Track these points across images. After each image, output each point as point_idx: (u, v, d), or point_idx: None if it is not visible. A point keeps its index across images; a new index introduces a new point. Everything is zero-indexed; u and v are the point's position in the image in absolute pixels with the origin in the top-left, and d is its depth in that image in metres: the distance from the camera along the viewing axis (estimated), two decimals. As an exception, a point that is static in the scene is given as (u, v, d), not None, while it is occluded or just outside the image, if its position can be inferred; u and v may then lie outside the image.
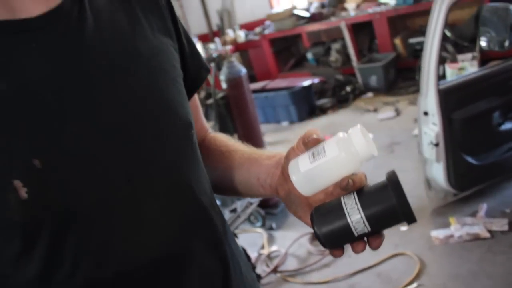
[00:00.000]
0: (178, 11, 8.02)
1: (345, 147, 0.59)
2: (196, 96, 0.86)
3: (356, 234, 0.57)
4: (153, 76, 0.67)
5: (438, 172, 2.63)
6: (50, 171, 0.55)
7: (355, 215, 0.57)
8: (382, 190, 0.58)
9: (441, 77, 4.73)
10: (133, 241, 0.62)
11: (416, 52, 5.03)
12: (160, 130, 0.65)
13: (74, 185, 0.57)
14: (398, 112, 4.41)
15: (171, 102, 0.68)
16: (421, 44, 5.02)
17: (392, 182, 0.57)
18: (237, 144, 0.85)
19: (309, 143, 0.62)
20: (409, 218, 0.56)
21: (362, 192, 0.59)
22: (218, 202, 0.80)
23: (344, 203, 0.58)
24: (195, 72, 0.81)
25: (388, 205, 0.56)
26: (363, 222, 0.56)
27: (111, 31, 0.65)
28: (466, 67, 4.12)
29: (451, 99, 2.50)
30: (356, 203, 0.57)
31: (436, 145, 2.54)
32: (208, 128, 0.90)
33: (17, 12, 0.58)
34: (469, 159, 2.59)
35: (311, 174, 0.61)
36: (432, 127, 2.55)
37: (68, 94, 0.58)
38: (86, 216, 0.58)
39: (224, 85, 3.21)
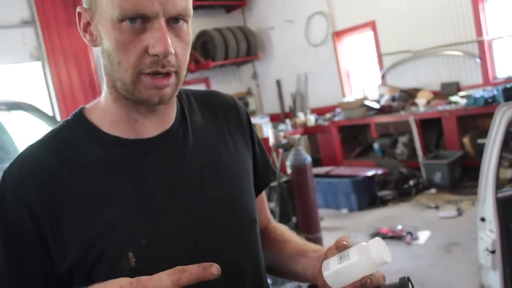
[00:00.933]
0: (254, 90, 8.57)
1: (364, 254, 0.76)
2: (263, 193, 1.07)
3: None
4: (231, 182, 0.90)
5: (494, 280, 2.60)
6: (152, 248, 0.78)
7: None
8: None
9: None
10: None
11: (485, 153, 5.01)
12: (232, 224, 0.87)
13: (167, 258, 0.78)
14: (460, 212, 4.37)
15: (243, 204, 0.90)
16: (491, 145, 5.04)
17: (401, 287, 0.73)
18: (292, 235, 1.04)
19: (339, 248, 0.80)
20: None
21: None
22: (269, 281, 0.99)
23: None
24: (263, 175, 1.04)
25: None
26: None
27: (203, 146, 0.90)
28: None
29: (510, 208, 2.52)
30: None
31: (493, 252, 2.53)
32: (271, 218, 1.11)
33: (141, 134, 0.84)
34: (527, 271, 2.55)
35: (338, 273, 0.78)
36: (488, 234, 2.56)
37: (171, 193, 0.82)
38: None
39: (289, 170, 3.42)
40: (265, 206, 1.09)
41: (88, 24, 0.80)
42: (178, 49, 0.77)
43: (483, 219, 2.60)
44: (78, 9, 0.82)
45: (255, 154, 1.01)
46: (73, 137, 0.83)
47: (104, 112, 0.85)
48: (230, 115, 0.98)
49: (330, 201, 5.44)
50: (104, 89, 0.85)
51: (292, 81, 8.04)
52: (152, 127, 0.85)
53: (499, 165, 2.53)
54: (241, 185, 0.92)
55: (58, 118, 6.04)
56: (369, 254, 0.75)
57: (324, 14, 7.26)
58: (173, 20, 0.75)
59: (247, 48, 8.04)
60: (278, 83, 8.32)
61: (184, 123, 0.90)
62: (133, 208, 0.79)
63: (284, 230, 1.06)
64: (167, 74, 0.76)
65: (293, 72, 7.97)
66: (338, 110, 6.90)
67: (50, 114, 5.05)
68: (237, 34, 7.87)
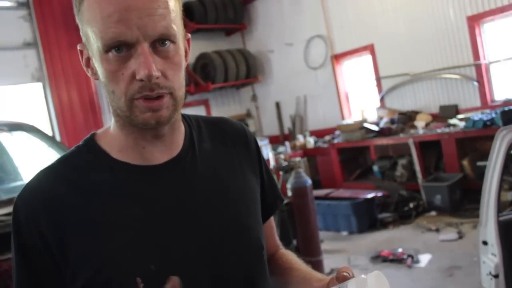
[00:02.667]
0: (253, 112, 8.61)
1: (361, 286, 0.75)
2: (272, 219, 1.08)
3: None
4: (239, 209, 0.91)
5: (497, 305, 2.57)
6: (161, 273, 0.79)
7: None
8: None
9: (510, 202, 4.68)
10: None
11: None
12: (240, 250, 0.88)
13: None
14: (461, 235, 4.35)
15: (250, 230, 0.91)
16: (490, 168, 5.05)
17: None
18: (299, 263, 1.04)
19: (339, 279, 0.80)
20: None
21: None
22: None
23: None
24: (271, 201, 1.05)
25: None
26: None
27: (211, 173, 0.91)
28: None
29: (512, 231, 2.51)
30: None
31: (496, 276, 2.51)
32: (280, 245, 1.11)
33: (149, 160, 0.86)
34: (531, 296, 2.52)
35: None
36: (491, 258, 2.55)
37: (179, 219, 0.83)
38: None
39: (289, 193, 3.42)
40: (273, 233, 1.09)
41: (88, 59, 0.83)
42: (167, 70, 0.78)
43: (485, 243, 2.59)
44: (78, 47, 0.85)
45: (263, 181, 1.02)
46: (83, 162, 0.85)
47: (113, 138, 0.87)
48: (239, 142, 1.00)
49: (330, 224, 5.41)
50: (112, 119, 0.87)
51: (291, 104, 8.09)
52: (159, 154, 0.86)
53: (501, 188, 2.53)
54: (248, 212, 0.93)
55: (58, 139, 6.05)
56: (366, 287, 0.75)
57: (323, 38, 7.35)
58: (159, 43, 0.76)
59: (247, 71, 8.11)
60: (278, 105, 8.37)
61: (193, 149, 0.91)
62: (141, 234, 0.80)
63: (291, 257, 1.06)
64: (160, 96, 0.77)
65: (292, 94, 8.03)
66: (337, 132, 6.93)
67: (50, 134, 5.05)
68: (236, 57, 7.95)
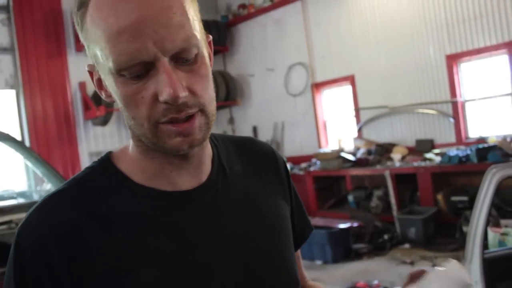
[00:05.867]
0: (229, 133, 8.56)
1: (441, 278, 0.72)
2: (299, 249, 0.99)
3: None
4: (275, 240, 0.82)
5: None
6: None
7: None
8: None
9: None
10: None
11: (458, 210, 5.10)
12: (277, 285, 0.79)
13: None
14: (436, 270, 4.36)
15: (286, 263, 0.83)
16: (463, 202, 5.15)
17: None
18: None
19: (413, 277, 0.76)
20: None
21: None
22: None
23: None
24: (300, 230, 0.96)
25: None
26: None
27: (245, 199, 0.82)
28: (510, 233, 4.10)
29: (496, 269, 2.52)
30: None
31: (478, 314, 2.50)
32: (306, 276, 1.03)
33: (178, 186, 0.76)
34: (513, 335, 2.52)
35: None
36: (475, 295, 2.54)
37: (213, 252, 0.74)
38: None
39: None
40: (301, 263, 1.01)
41: (100, 80, 0.73)
42: (194, 85, 0.67)
43: (468, 279, 2.59)
44: (87, 68, 0.74)
45: (292, 207, 0.93)
46: (100, 186, 0.73)
47: (133, 161, 0.76)
48: (269, 165, 0.91)
49: (304, 252, 5.34)
50: (131, 141, 0.76)
51: (268, 129, 8.09)
52: (188, 178, 0.76)
53: (487, 226, 2.55)
54: (284, 242, 0.84)
55: (28, 149, 5.83)
56: (450, 276, 0.72)
57: (304, 66, 7.43)
58: (182, 57, 0.66)
59: (226, 93, 8.09)
60: (255, 129, 8.35)
61: (223, 172, 0.82)
62: (171, 269, 0.70)
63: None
64: (190, 117, 0.67)
65: (271, 119, 8.03)
66: (313, 160, 6.94)
67: (27, 145, 4.85)
68: (217, 79, 7.93)
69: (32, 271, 0.67)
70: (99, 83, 0.73)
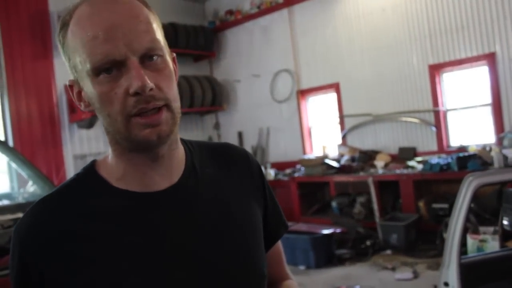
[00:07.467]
0: (215, 140, 8.58)
1: None
2: (279, 243, 1.05)
3: None
4: (242, 237, 0.89)
5: None
6: None
7: None
8: None
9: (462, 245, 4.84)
10: None
11: (439, 217, 5.19)
12: (242, 279, 0.87)
13: None
14: (416, 275, 4.43)
15: (253, 258, 0.90)
16: (444, 210, 5.24)
17: None
18: None
19: None
20: None
21: None
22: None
23: None
24: (275, 228, 1.03)
25: None
26: None
27: (214, 200, 0.89)
28: (488, 240, 4.20)
29: (473, 274, 2.59)
30: None
31: (455, 318, 2.57)
32: (287, 274, 1.08)
33: (150, 187, 0.84)
34: None
35: None
36: (452, 299, 2.61)
37: (181, 247, 0.81)
38: None
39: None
40: (280, 260, 1.06)
41: (80, 93, 0.83)
42: (160, 82, 0.77)
43: (446, 284, 2.65)
44: (68, 82, 0.85)
45: (266, 207, 1.00)
46: (82, 191, 0.84)
47: (111, 166, 0.85)
48: (242, 167, 0.98)
49: (287, 257, 5.26)
50: (109, 148, 0.86)
51: (254, 134, 8.14)
52: (160, 179, 0.84)
53: (465, 231, 2.62)
54: (251, 240, 0.91)
55: (12, 151, 5.77)
56: None
57: (290, 72, 7.51)
58: (148, 58, 0.77)
59: (212, 98, 8.12)
60: (240, 135, 8.39)
61: (195, 175, 0.89)
62: (141, 262, 0.78)
63: None
64: (158, 110, 0.77)
65: (256, 125, 8.08)
66: (298, 166, 7.00)
67: (10, 145, 4.81)
68: (203, 84, 7.96)
69: (20, 266, 0.79)
70: (79, 95, 0.83)
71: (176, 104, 0.81)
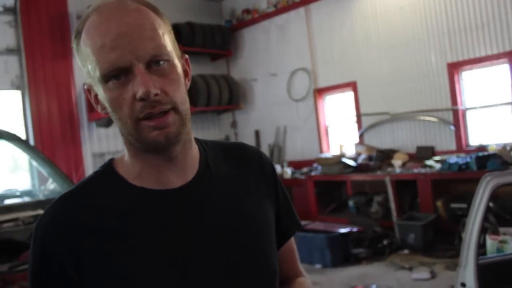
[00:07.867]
0: (232, 139, 8.61)
1: None
2: (292, 241, 1.07)
3: None
4: (255, 234, 0.92)
5: None
6: None
7: None
8: None
9: (481, 245, 4.76)
10: None
11: (457, 217, 5.13)
12: (254, 275, 0.89)
13: None
14: (433, 275, 4.39)
15: (265, 255, 0.92)
16: (463, 210, 5.17)
17: None
18: None
19: None
20: None
21: None
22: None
23: None
24: (287, 226, 1.05)
25: None
26: None
27: (228, 197, 0.92)
28: (508, 241, 4.12)
29: (491, 275, 2.56)
30: None
31: (473, 318, 2.54)
32: (300, 271, 1.10)
33: (165, 185, 0.87)
34: None
35: None
36: (469, 300, 2.58)
37: (195, 244, 0.84)
38: None
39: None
40: (293, 257, 1.08)
41: (96, 96, 0.87)
42: (166, 87, 0.80)
43: (463, 285, 2.63)
44: (85, 86, 0.89)
45: (279, 205, 1.02)
46: (100, 188, 0.87)
47: (128, 165, 0.89)
48: (255, 167, 1.01)
49: (303, 256, 5.37)
50: (125, 147, 0.90)
51: (271, 133, 8.14)
52: (175, 178, 0.88)
53: (482, 232, 2.59)
54: (264, 236, 0.93)
55: (33, 149, 5.89)
56: None
57: (307, 71, 7.49)
58: (155, 63, 0.80)
59: (229, 97, 8.15)
60: (257, 133, 8.41)
61: (209, 172, 0.92)
62: (156, 257, 0.81)
63: (306, 286, 1.05)
64: (164, 113, 0.80)
65: (273, 124, 8.09)
66: (315, 165, 6.98)
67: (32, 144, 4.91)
68: (220, 83, 7.99)
69: (40, 254, 0.82)
70: (96, 98, 0.87)
71: (184, 106, 0.83)
